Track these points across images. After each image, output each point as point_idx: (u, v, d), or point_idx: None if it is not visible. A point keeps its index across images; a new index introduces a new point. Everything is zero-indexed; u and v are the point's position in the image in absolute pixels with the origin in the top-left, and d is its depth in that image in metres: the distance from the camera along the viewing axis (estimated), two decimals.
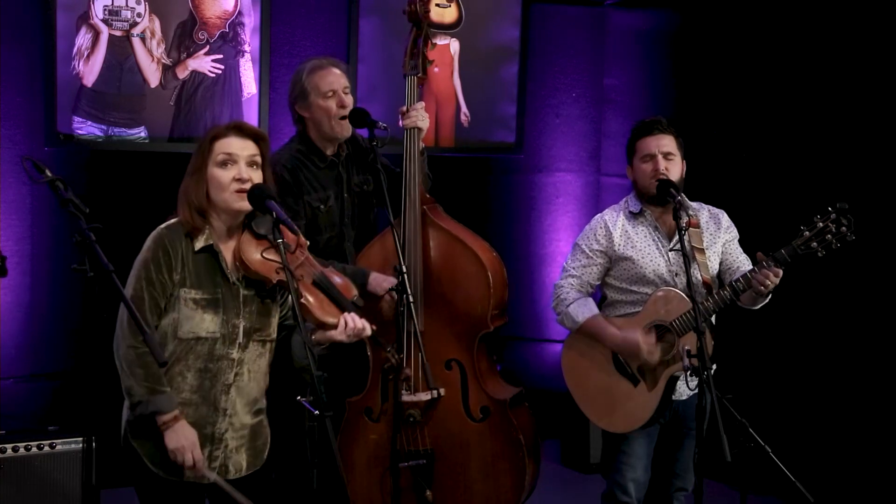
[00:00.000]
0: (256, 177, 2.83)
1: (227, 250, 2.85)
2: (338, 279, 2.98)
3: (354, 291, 2.99)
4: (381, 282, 3.62)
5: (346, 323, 2.86)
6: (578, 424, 5.05)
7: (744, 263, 3.62)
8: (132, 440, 2.80)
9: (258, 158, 2.85)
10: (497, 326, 3.82)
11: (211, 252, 2.83)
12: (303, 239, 2.92)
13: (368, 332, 2.92)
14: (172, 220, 2.84)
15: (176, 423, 2.74)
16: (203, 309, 2.79)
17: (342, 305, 2.90)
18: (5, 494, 3.89)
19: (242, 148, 2.83)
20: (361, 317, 2.91)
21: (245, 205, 2.79)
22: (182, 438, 2.74)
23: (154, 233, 2.82)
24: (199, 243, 2.81)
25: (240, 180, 2.79)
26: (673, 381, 3.53)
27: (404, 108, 3.81)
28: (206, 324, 2.79)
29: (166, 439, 2.74)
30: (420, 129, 3.78)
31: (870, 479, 4.49)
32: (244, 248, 2.82)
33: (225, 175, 2.80)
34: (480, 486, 3.78)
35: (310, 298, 2.84)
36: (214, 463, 2.87)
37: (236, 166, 2.80)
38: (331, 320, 2.86)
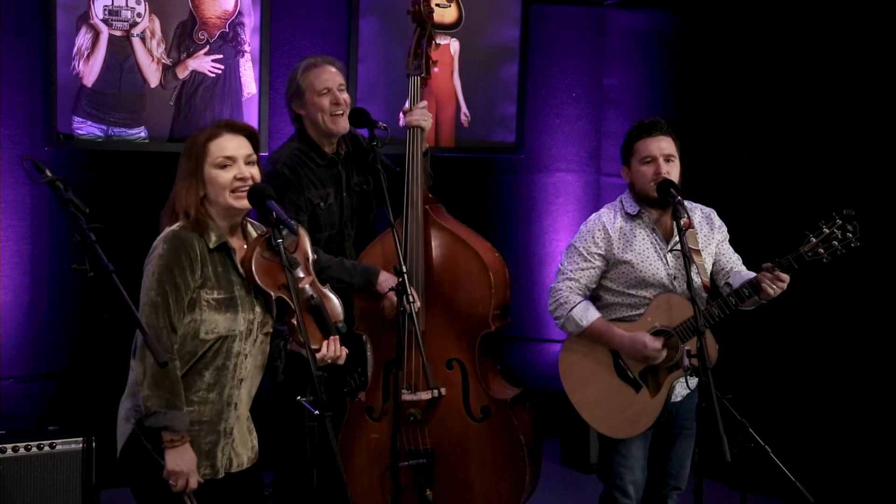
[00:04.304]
0: (256, 174, 2.85)
1: (236, 248, 2.88)
2: (332, 299, 2.98)
3: (340, 316, 2.97)
4: (389, 281, 3.62)
5: (325, 349, 2.88)
6: (578, 424, 4.98)
7: (736, 263, 3.61)
8: (145, 440, 2.77)
9: (254, 157, 2.87)
10: (498, 326, 3.83)
11: (225, 250, 2.85)
12: (312, 254, 2.94)
13: (342, 360, 2.93)
14: (179, 224, 2.82)
15: (181, 445, 2.74)
16: (225, 309, 2.81)
17: (327, 331, 2.90)
18: (5, 494, 3.89)
19: (239, 147, 2.84)
20: (342, 343, 2.92)
21: (246, 203, 2.81)
22: (182, 463, 2.74)
23: (168, 235, 2.79)
24: (212, 242, 2.82)
25: (241, 179, 2.80)
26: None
27: (407, 107, 3.81)
28: (228, 323, 2.81)
29: (167, 458, 2.73)
30: (422, 129, 3.78)
31: (870, 479, 4.48)
32: (256, 260, 2.84)
33: (226, 176, 2.80)
34: (481, 485, 3.78)
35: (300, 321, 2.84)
36: (224, 458, 2.88)
37: (236, 166, 2.82)
38: (312, 345, 2.85)
